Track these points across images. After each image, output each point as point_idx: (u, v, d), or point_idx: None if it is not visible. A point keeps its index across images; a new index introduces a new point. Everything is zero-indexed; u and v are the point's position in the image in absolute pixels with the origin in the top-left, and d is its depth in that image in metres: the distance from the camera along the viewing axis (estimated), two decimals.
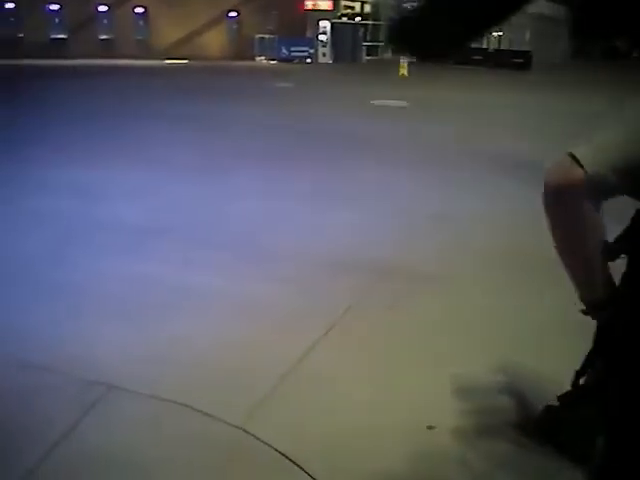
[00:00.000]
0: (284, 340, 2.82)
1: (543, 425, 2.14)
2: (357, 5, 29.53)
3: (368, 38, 29.58)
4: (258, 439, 2.05)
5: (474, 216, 4.98)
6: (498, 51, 29.87)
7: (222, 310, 3.12)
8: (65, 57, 21.68)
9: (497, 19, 1.08)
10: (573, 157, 0.97)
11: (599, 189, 0.97)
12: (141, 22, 26.09)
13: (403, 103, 12.73)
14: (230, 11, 28.12)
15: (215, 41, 27.96)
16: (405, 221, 4.83)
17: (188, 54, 25.45)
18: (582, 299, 1.18)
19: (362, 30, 28.51)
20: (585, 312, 1.35)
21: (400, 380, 2.53)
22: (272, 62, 26.43)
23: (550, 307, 3.07)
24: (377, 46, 30.73)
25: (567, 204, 0.99)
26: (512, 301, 3.32)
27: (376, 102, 12.91)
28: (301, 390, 2.42)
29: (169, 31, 26.32)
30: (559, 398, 1.99)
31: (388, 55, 30.64)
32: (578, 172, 0.96)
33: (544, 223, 1.27)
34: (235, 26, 28.41)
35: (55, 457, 1.91)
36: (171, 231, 4.32)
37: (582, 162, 0.95)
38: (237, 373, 2.51)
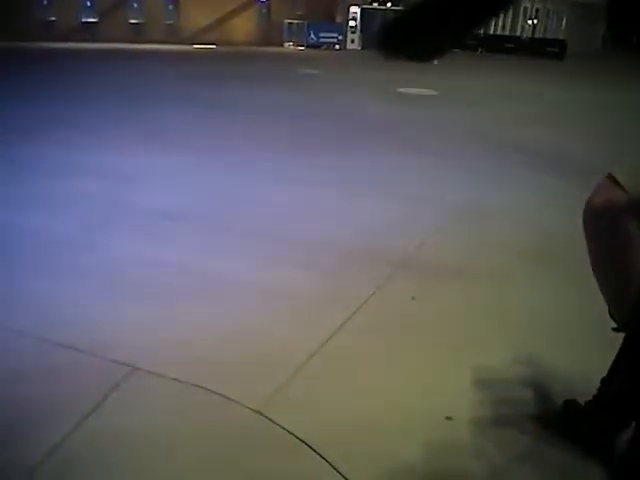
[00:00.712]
0: (306, 326, 2.84)
1: (562, 419, 2.15)
2: None
3: None
4: (276, 424, 2.07)
5: (501, 209, 4.91)
6: (532, 39, 29.18)
7: (246, 296, 3.14)
8: (96, 40, 21.91)
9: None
10: (613, 179, 0.96)
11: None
12: (170, 7, 26.15)
13: (431, 92, 12.58)
14: None
15: (243, 26, 27.92)
16: (432, 211, 4.80)
17: (216, 39, 25.47)
18: (613, 316, 1.18)
19: (393, 16, 28.18)
20: (616, 329, 1.34)
21: (420, 370, 2.53)
22: (300, 48, 26.30)
23: (577, 304, 3.04)
24: None
25: (609, 225, 0.98)
26: (536, 295, 3.30)
27: (405, 90, 12.78)
28: (321, 377, 2.43)
29: (198, 16, 26.34)
30: (585, 404, 1.99)
31: None
32: (619, 194, 0.96)
33: (576, 221, 1.23)
34: (264, 11, 28.31)
35: (80, 434, 1.96)
36: (197, 217, 4.35)
37: (623, 183, 0.95)
38: (258, 358, 2.53)
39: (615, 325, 1.55)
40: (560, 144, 7.71)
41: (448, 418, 2.19)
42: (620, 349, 1.88)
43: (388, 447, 2.02)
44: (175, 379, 2.31)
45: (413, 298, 3.19)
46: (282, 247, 3.86)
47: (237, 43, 25.71)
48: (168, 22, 26.14)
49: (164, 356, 2.48)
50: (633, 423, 1.11)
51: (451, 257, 3.87)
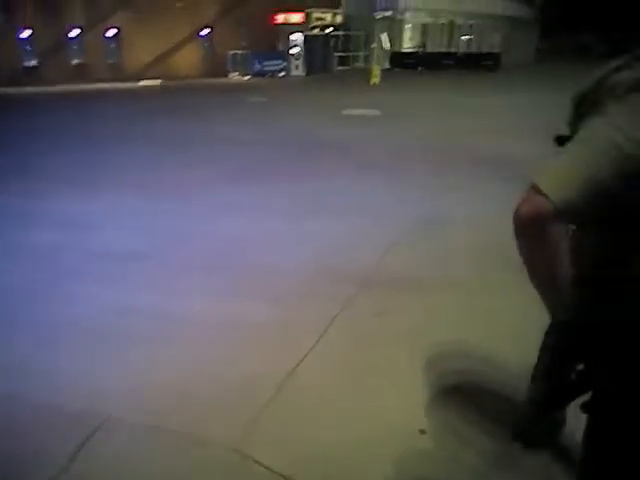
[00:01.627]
0: (273, 357, 2.89)
1: (518, 424, 2.24)
2: (328, 16, 29.89)
3: (340, 48, 29.94)
4: (255, 461, 2.12)
5: (458, 218, 5.08)
6: (467, 54, 30.36)
7: (212, 333, 3.17)
8: (39, 84, 21.64)
9: None
10: (538, 188, 0.95)
11: (567, 218, 0.98)
12: (112, 45, 26.14)
13: (375, 112, 12.93)
14: (202, 29, 28.30)
15: (188, 59, 28.09)
16: (388, 227, 4.92)
17: (162, 74, 25.53)
18: (554, 319, 1.18)
19: (333, 41, 28.86)
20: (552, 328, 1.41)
21: (390, 387, 2.61)
22: (246, 77, 26.61)
23: (538, 308, 3.17)
24: (349, 56, 31.09)
25: (537, 235, 0.99)
26: (498, 302, 3.39)
27: (348, 112, 13.08)
28: (292, 406, 2.49)
29: (141, 52, 26.39)
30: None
31: (360, 64, 31.01)
32: (545, 204, 0.95)
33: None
34: (207, 43, 28.59)
35: None
36: (154, 257, 4.37)
37: (547, 192, 0.94)
38: (228, 395, 2.57)
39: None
40: (501, 148, 8.02)
41: (422, 431, 2.29)
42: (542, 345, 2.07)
43: (367, 467, 2.12)
44: (153, 426, 2.35)
45: (377, 315, 3.27)
46: (242, 278, 3.92)
47: (183, 77, 25.83)
48: (111, 61, 26.08)
49: (135, 402, 2.52)
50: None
51: (411, 270, 3.97)
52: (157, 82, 24.53)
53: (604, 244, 1.54)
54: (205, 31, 28.37)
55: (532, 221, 0.96)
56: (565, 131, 1.72)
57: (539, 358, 2.10)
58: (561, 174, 0.97)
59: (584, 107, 1.61)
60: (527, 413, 2.18)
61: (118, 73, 25.39)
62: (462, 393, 2.59)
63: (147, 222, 5.30)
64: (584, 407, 1.08)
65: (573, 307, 1.08)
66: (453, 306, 3.43)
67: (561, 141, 1.87)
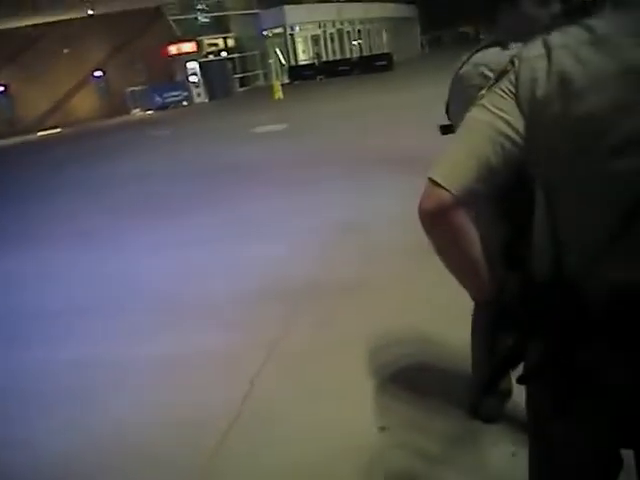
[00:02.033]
0: (225, 386, 2.91)
1: (470, 401, 2.41)
2: (220, 41, 30.19)
3: (238, 70, 30.28)
4: None
5: (380, 218, 5.18)
6: (361, 58, 31.53)
7: (157, 376, 3.14)
8: None
9: None
10: (434, 182, 0.98)
11: (469, 201, 0.99)
12: (3, 100, 25.26)
13: (283, 126, 13.18)
14: (95, 71, 27.84)
15: (86, 103, 27.54)
16: (316, 237, 5.02)
17: (60, 122, 24.90)
18: (475, 300, 1.20)
19: (230, 64, 29.16)
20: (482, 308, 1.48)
21: (344, 393, 2.69)
22: (149, 112, 26.36)
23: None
24: (248, 76, 31.50)
25: (443, 226, 1.01)
26: (431, 295, 3.41)
27: (257, 130, 13.27)
28: (250, 431, 2.53)
29: (35, 103, 25.65)
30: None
31: (261, 82, 31.49)
32: (444, 195, 0.97)
33: None
34: (103, 84, 28.14)
35: None
36: (89, 309, 4.25)
37: (444, 184, 0.96)
38: (186, 433, 2.56)
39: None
40: (406, 144, 8.50)
41: (382, 428, 2.40)
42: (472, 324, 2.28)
43: (333, 472, 2.22)
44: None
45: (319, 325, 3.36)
46: (181, 312, 3.91)
47: (83, 120, 25.26)
48: (5, 117, 25.16)
49: (89, 463, 2.50)
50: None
51: (343, 276, 4.09)
52: (56, 130, 23.89)
53: (502, 221, 1.65)
54: (99, 72, 27.92)
55: (436, 214, 0.98)
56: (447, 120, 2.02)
57: (472, 339, 2.33)
58: (452, 164, 1.00)
59: (457, 91, 1.92)
60: (475, 390, 2.37)
61: (14, 127, 24.53)
62: (413, 383, 2.70)
63: (77, 271, 5.24)
64: (519, 379, 1.10)
65: (490, 287, 1.10)
66: (389, 303, 3.53)
67: (445, 130, 2.16)
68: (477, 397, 2.40)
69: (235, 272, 4.58)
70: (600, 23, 0.93)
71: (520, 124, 0.96)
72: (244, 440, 2.51)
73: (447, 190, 0.96)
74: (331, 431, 2.46)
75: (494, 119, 0.97)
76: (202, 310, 3.94)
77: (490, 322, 1.18)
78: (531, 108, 0.95)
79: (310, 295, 3.90)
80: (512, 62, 0.99)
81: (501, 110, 0.97)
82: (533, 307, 1.02)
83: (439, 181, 0.97)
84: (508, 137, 0.96)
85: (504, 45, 1.77)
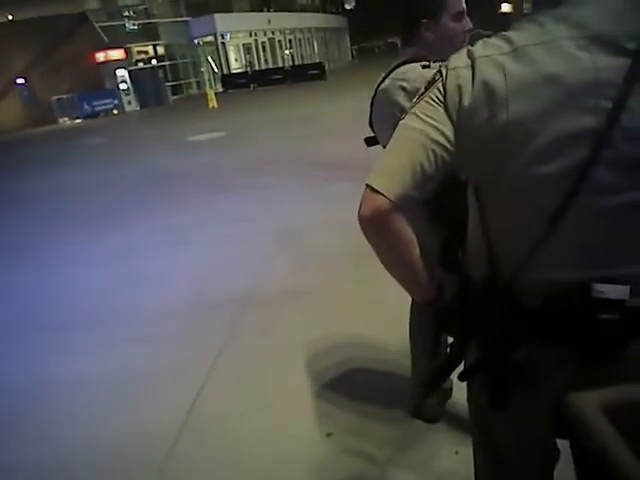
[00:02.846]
0: (167, 401, 2.87)
1: (412, 403, 2.50)
2: (150, 49, 29.59)
3: (170, 78, 29.77)
4: None
5: (314, 224, 5.27)
6: (294, 67, 31.76)
7: (96, 392, 3.06)
8: None
9: None
10: (372, 188, 1.01)
11: (406, 207, 1.02)
12: None
13: (218, 134, 13.11)
14: (17, 78, 26.61)
15: (9, 111, 26.26)
16: (252, 244, 5.02)
17: None
18: (418, 300, 1.23)
19: (161, 71, 28.63)
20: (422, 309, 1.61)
21: (289, 401, 2.72)
22: (77, 121, 25.47)
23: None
24: (181, 84, 31.03)
25: (381, 231, 1.03)
26: (370, 297, 3.56)
27: (193, 138, 13.15)
28: (197, 443, 2.51)
29: None
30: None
31: (194, 91, 31.08)
32: (382, 201, 0.99)
33: None
34: (26, 92, 26.93)
35: None
36: (18, 326, 4.12)
37: (381, 191, 0.99)
38: (130, 455, 2.52)
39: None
40: (340, 150, 8.67)
41: (329, 434, 2.45)
42: (410, 326, 2.34)
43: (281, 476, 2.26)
44: None
45: (262, 333, 3.39)
46: (116, 326, 3.83)
47: (6, 129, 24.07)
48: None
49: None
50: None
51: (285, 282, 4.12)
52: None
53: (439, 225, 1.70)
54: (21, 80, 26.70)
55: (373, 219, 1.02)
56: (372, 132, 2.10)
57: (410, 341, 2.42)
58: (388, 171, 1.02)
59: (378, 105, 2.01)
60: (417, 391, 2.44)
61: None
62: (355, 387, 2.73)
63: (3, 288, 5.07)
64: (460, 376, 1.15)
65: (430, 289, 1.15)
66: (328, 309, 3.60)
67: (370, 142, 2.25)
68: (418, 398, 2.49)
69: (170, 282, 4.54)
70: (517, 34, 1.00)
71: (450, 131, 1.00)
72: (192, 453, 2.50)
73: (384, 196, 1.00)
74: (279, 439, 2.49)
75: (425, 127, 1.01)
76: (138, 323, 3.88)
77: (431, 323, 1.18)
78: (459, 116, 0.99)
79: (248, 304, 3.92)
80: (440, 72, 1.03)
81: (432, 118, 1.01)
82: (469, 308, 1.09)
83: (376, 187, 1.01)
84: (439, 144, 1.00)
85: (423, 59, 1.80)
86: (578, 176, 0.96)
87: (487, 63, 0.98)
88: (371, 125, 2.13)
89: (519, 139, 0.97)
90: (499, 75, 0.97)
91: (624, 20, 0.95)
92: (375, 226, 1.04)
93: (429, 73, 1.09)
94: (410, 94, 1.79)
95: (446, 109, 1.00)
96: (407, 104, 1.89)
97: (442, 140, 1.00)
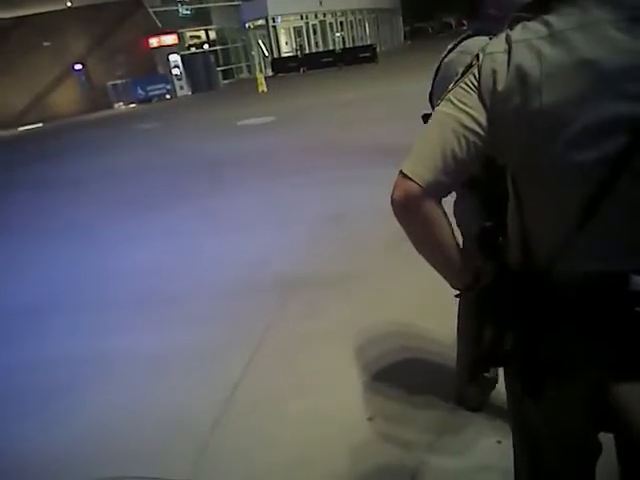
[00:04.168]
0: (213, 379, 2.92)
1: (456, 390, 2.47)
2: (202, 34, 29.91)
3: (221, 62, 30.06)
4: None
5: (361, 208, 5.19)
6: (345, 50, 31.44)
7: (144, 370, 3.13)
8: None
9: None
10: (404, 174, 1.02)
11: (438, 193, 1.03)
12: None
13: (268, 119, 13.16)
14: (75, 64, 27.45)
15: (67, 97, 27.16)
16: (302, 229, 5.02)
17: (42, 117, 24.56)
18: (453, 287, 1.23)
19: (213, 56, 28.93)
20: (458, 296, 1.61)
21: (334, 383, 2.74)
22: (132, 105, 26.10)
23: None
24: (231, 68, 31.28)
25: (413, 216, 1.05)
26: (419, 283, 3.37)
27: (243, 122, 13.25)
28: (240, 424, 2.54)
29: (14, 98, 25.26)
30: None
31: (245, 75, 31.30)
32: (413, 187, 1.01)
33: None
34: (84, 78, 27.77)
35: None
36: (64, 304, 4.25)
37: (412, 177, 1.01)
38: (173, 428, 2.57)
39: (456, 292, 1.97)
40: (394, 137, 8.53)
41: (370, 419, 2.45)
42: (458, 313, 2.31)
43: (324, 461, 2.25)
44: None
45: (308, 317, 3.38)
46: (168, 306, 3.91)
47: (65, 115, 24.93)
48: None
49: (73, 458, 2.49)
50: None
51: (333, 268, 4.10)
52: (39, 125, 23.59)
53: (478, 208, 1.72)
54: (79, 66, 27.54)
55: (404, 204, 1.03)
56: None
57: (458, 328, 2.37)
58: (420, 157, 1.03)
59: (441, 79, 1.98)
60: (460, 380, 2.42)
61: None
62: (399, 374, 2.75)
63: (56, 264, 5.23)
64: (497, 363, 1.15)
65: (468, 275, 1.15)
66: (376, 294, 3.58)
67: (427, 119, 2.20)
68: (462, 387, 2.46)
69: (219, 266, 4.59)
70: (556, 18, 0.97)
71: (483, 117, 1.00)
72: (234, 430, 2.53)
73: (414, 182, 1.01)
74: (320, 420, 2.51)
75: (458, 112, 1.01)
76: (188, 303, 3.94)
77: (473, 310, 1.19)
78: (492, 102, 0.99)
79: (295, 287, 3.92)
80: (477, 57, 1.03)
81: (464, 104, 1.01)
82: (504, 295, 1.08)
83: (407, 173, 1.02)
84: (471, 130, 1.00)
85: (488, 33, 1.82)
86: (616, 165, 0.92)
87: (523, 47, 0.96)
88: (431, 101, 2.11)
89: (552, 126, 0.95)
90: (534, 60, 0.95)
91: None
92: (405, 211, 1.05)
93: (483, 47, 1.06)
94: None
95: (480, 94, 1.00)
96: None
97: (474, 126, 1.00)
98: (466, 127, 1.00)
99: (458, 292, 1.21)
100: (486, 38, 1.82)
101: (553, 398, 1.07)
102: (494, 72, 0.98)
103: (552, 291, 1.01)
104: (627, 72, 0.91)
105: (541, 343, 1.04)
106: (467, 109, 1.00)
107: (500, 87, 0.98)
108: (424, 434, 2.36)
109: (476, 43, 1.86)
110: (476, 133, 1.00)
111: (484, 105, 0.99)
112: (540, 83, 0.94)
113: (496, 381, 2.36)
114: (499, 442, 2.20)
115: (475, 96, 1.00)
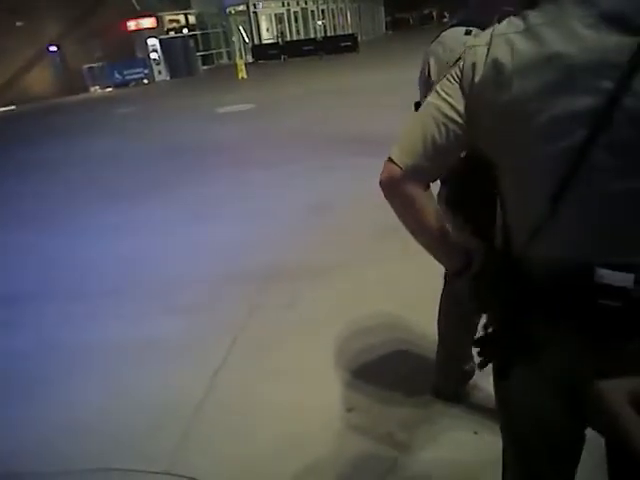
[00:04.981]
0: (194, 366, 2.92)
1: (434, 382, 2.50)
2: (181, 18, 29.39)
3: (201, 48, 29.62)
4: (184, 477, 2.16)
5: (342, 198, 5.24)
6: (326, 38, 31.24)
7: (125, 358, 3.11)
8: None
9: None
10: (390, 158, 1.10)
11: (417, 176, 1.09)
12: None
13: (247, 106, 13.07)
14: (49, 46, 26.78)
15: (41, 80, 26.48)
16: (281, 218, 5.01)
17: (14, 99, 23.93)
18: (446, 268, 1.26)
19: (192, 41, 28.49)
20: (448, 279, 1.56)
21: (311, 374, 2.74)
22: (108, 89, 25.61)
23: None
24: (211, 54, 30.86)
25: (396, 197, 1.12)
26: (396, 275, 3.53)
27: (222, 109, 13.14)
28: (220, 409, 2.55)
29: None
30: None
31: (224, 61, 30.90)
32: (395, 170, 1.08)
33: None
34: (59, 60, 27.12)
35: None
36: (42, 294, 4.19)
37: (395, 160, 1.09)
38: (152, 418, 2.57)
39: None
40: (374, 126, 8.52)
41: (349, 410, 2.46)
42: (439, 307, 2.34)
43: (300, 451, 2.26)
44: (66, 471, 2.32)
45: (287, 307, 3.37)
46: (149, 294, 3.88)
47: (39, 98, 24.33)
48: None
49: (54, 449, 2.45)
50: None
51: (311, 256, 4.10)
52: (10, 108, 22.99)
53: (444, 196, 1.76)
54: (54, 48, 26.88)
55: (388, 185, 1.11)
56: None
57: (439, 318, 2.40)
58: (403, 142, 1.11)
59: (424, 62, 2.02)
60: (439, 371, 2.46)
61: None
62: (377, 365, 2.76)
63: (31, 255, 5.14)
64: (474, 343, 1.18)
65: (459, 260, 1.19)
66: (354, 285, 3.57)
67: (418, 107, 2.19)
68: (440, 379, 2.49)
69: (198, 254, 4.56)
70: (536, 14, 0.99)
71: (461, 106, 1.05)
72: (215, 419, 2.52)
73: (397, 165, 1.09)
74: (299, 411, 2.51)
75: (440, 101, 1.07)
76: (166, 292, 3.92)
77: (467, 296, 1.23)
78: (470, 92, 1.04)
79: (275, 277, 3.91)
80: (465, 50, 1.07)
81: (447, 94, 1.06)
82: (486, 279, 1.14)
83: (392, 157, 1.10)
84: (450, 118, 1.05)
85: (470, 24, 1.87)
86: (576, 157, 0.96)
87: (501, 41, 1.00)
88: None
89: (521, 118, 0.99)
90: (508, 53, 0.99)
91: None
92: (387, 191, 1.13)
93: (469, 40, 1.12)
94: (440, 60, 1.94)
95: (461, 85, 1.05)
96: (435, 67, 1.94)
97: (453, 115, 1.05)
98: (445, 115, 1.06)
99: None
100: (463, 29, 1.90)
101: (518, 379, 1.12)
102: (474, 64, 1.03)
103: (527, 276, 1.05)
104: (592, 68, 0.93)
105: (513, 326, 1.09)
106: (448, 98, 1.06)
107: (477, 78, 1.02)
108: (402, 425, 2.37)
109: (452, 34, 1.94)
110: (454, 121, 1.05)
111: (464, 94, 1.04)
112: (511, 75, 0.98)
113: (472, 372, 2.40)
114: (476, 433, 2.22)
115: (457, 86, 1.05)
